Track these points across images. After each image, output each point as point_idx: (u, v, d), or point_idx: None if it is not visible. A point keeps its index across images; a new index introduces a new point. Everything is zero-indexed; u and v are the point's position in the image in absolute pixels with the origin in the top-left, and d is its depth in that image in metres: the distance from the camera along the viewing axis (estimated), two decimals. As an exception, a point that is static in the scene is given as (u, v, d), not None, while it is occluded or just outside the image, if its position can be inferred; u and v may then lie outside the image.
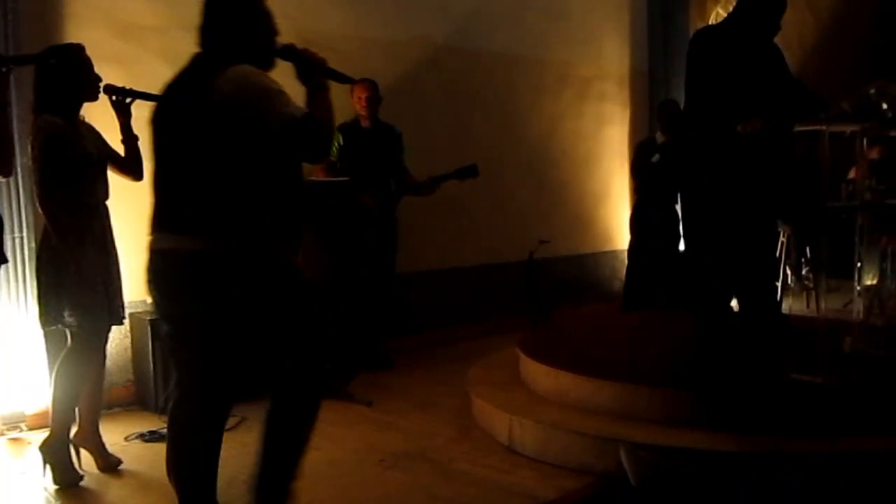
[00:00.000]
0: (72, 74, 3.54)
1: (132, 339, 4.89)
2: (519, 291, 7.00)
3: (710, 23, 7.84)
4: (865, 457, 3.27)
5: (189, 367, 2.82)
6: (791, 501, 3.13)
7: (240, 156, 2.58)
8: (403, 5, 6.30)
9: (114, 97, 3.69)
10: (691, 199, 4.23)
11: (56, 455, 3.59)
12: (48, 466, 3.59)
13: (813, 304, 6.85)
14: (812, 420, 3.54)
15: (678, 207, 6.47)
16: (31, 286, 4.12)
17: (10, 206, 4.37)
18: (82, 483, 3.61)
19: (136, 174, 3.81)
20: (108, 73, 3.72)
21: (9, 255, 4.36)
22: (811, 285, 7.19)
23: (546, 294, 7.03)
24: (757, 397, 3.66)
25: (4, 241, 3.63)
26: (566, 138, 7.79)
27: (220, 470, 3.75)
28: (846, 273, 4.38)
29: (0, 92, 3.33)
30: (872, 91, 3.81)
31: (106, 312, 3.62)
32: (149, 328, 4.65)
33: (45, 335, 4.15)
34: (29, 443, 4.22)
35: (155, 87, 3.81)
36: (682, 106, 7.51)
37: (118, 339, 4.81)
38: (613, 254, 8.04)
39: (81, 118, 3.66)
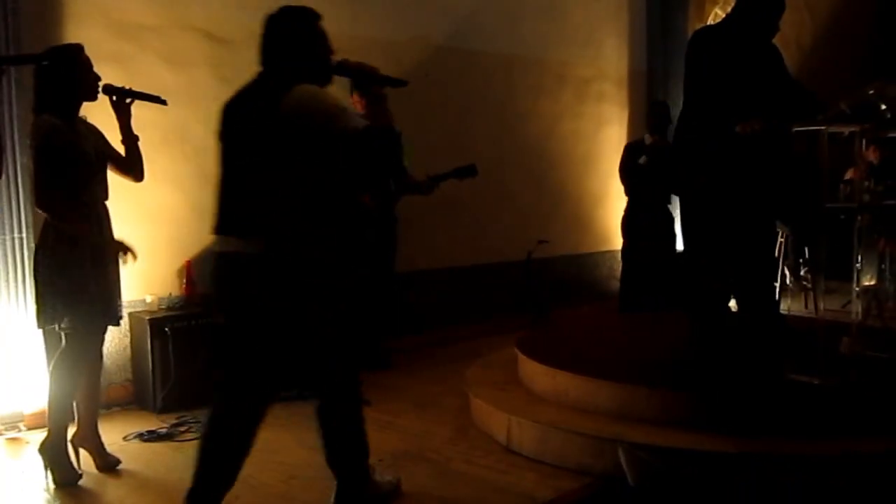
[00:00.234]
0: (70, 75, 3.53)
1: (131, 339, 4.89)
2: (518, 291, 7.01)
3: (708, 23, 7.84)
4: (865, 458, 3.28)
5: (244, 360, 2.92)
6: (791, 501, 3.13)
7: (303, 169, 2.77)
8: (403, 6, 6.31)
9: (113, 97, 3.69)
10: (689, 200, 4.23)
11: (54, 455, 3.59)
12: (47, 466, 3.59)
13: (811, 305, 6.86)
14: (810, 421, 3.54)
15: (671, 208, 6.49)
16: (31, 286, 4.12)
17: (10, 206, 4.38)
18: (81, 483, 3.60)
19: (137, 175, 3.81)
20: (108, 73, 3.72)
21: (7, 255, 4.39)
22: (809, 286, 7.20)
23: (545, 294, 7.05)
24: (755, 397, 3.66)
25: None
26: (565, 139, 7.80)
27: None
28: (844, 274, 4.38)
29: None
30: (871, 92, 3.81)
31: (99, 313, 3.60)
32: (148, 328, 4.66)
33: (44, 335, 4.14)
34: (27, 442, 4.22)
35: (154, 87, 3.84)
36: (672, 108, 7.58)
37: (117, 338, 4.82)
38: (612, 254, 8.04)
39: (83, 118, 3.66)
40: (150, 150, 3.92)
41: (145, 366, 4.72)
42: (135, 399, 4.87)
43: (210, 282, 2.97)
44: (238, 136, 2.89)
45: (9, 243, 4.40)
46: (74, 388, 3.63)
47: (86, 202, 3.57)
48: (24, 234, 4.39)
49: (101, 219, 3.67)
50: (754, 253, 4.08)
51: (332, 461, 3.11)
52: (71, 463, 3.64)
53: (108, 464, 3.78)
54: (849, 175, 6.22)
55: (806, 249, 7.32)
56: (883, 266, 5.58)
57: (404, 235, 5.71)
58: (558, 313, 7.01)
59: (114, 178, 3.76)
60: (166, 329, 4.69)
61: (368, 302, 5.39)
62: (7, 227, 4.39)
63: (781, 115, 3.86)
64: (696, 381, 3.87)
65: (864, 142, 4.01)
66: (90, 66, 3.61)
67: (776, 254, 6.15)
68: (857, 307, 4.27)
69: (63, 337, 3.58)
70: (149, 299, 4.90)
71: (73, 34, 4.39)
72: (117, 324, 3.80)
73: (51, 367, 3.61)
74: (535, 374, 4.35)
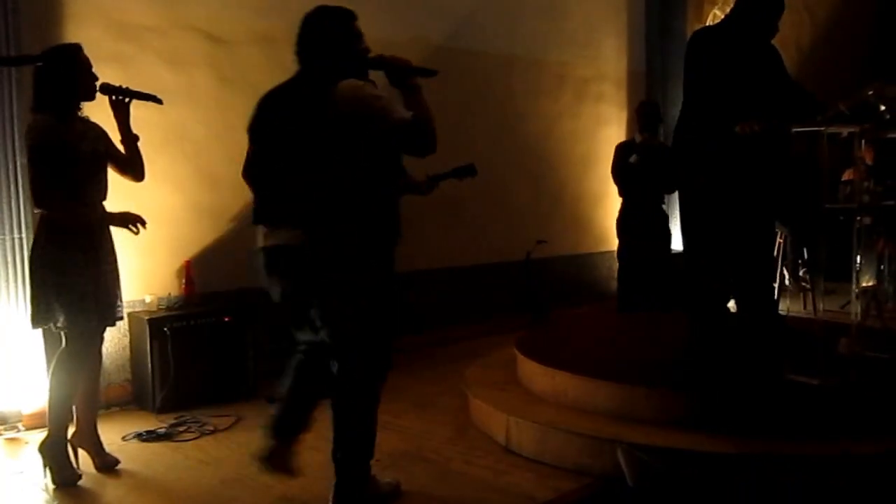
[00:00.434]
0: (68, 74, 3.53)
1: (130, 339, 4.89)
2: (517, 291, 7.01)
3: (707, 24, 7.85)
4: (864, 458, 3.28)
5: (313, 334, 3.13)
6: (791, 502, 3.13)
7: (348, 161, 2.94)
8: (402, 6, 6.30)
9: (112, 97, 3.68)
10: (689, 200, 4.23)
11: (54, 455, 3.58)
12: (47, 466, 3.59)
13: (810, 306, 6.87)
14: (809, 421, 3.54)
15: (665, 207, 6.48)
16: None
17: (10, 206, 4.37)
18: (80, 482, 3.60)
19: (138, 174, 3.80)
20: (108, 74, 3.72)
21: (7, 255, 4.39)
22: (808, 286, 7.21)
23: (544, 294, 7.05)
24: (754, 398, 3.66)
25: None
26: (564, 139, 7.81)
27: (216, 469, 3.78)
28: (844, 275, 4.38)
29: None
30: (870, 93, 3.81)
31: (95, 313, 3.58)
32: (147, 328, 4.65)
33: (44, 335, 4.15)
34: (26, 442, 4.22)
35: (154, 87, 3.84)
36: (671, 108, 7.57)
37: (116, 338, 4.82)
38: (611, 254, 8.01)
39: (85, 118, 3.66)
40: (149, 151, 3.92)
41: (144, 366, 4.72)
42: (134, 399, 4.87)
43: (264, 269, 3.08)
44: (281, 131, 3.01)
45: (8, 243, 4.40)
46: (75, 388, 3.63)
47: (83, 202, 3.57)
48: (23, 234, 4.39)
49: (100, 218, 3.66)
50: (753, 253, 4.08)
51: (337, 454, 3.14)
52: (70, 463, 3.64)
53: (106, 464, 3.77)
54: (846, 176, 6.23)
55: (805, 250, 7.33)
56: (882, 267, 5.58)
57: (404, 235, 5.69)
58: (557, 313, 7.01)
59: (114, 178, 3.76)
60: (165, 329, 4.68)
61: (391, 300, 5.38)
62: (7, 228, 4.39)
63: (781, 116, 3.86)
64: (695, 382, 3.87)
65: (863, 143, 4.01)
66: (89, 65, 3.61)
67: (775, 254, 6.15)
68: (856, 308, 4.28)
69: (62, 337, 3.58)
70: (148, 299, 4.90)
71: (73, 34, 4.38)
72: (113, 324, 3.79)
73: (51, 368, 3.61)
74: (535, 374, 4.35)
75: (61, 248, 3.49)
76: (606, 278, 8.04)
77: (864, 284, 4.79)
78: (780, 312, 4.68)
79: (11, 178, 4.32)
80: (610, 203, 8.02)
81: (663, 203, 6.47)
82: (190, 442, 4.16)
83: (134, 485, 3.62)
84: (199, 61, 5.25)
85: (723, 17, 4.72)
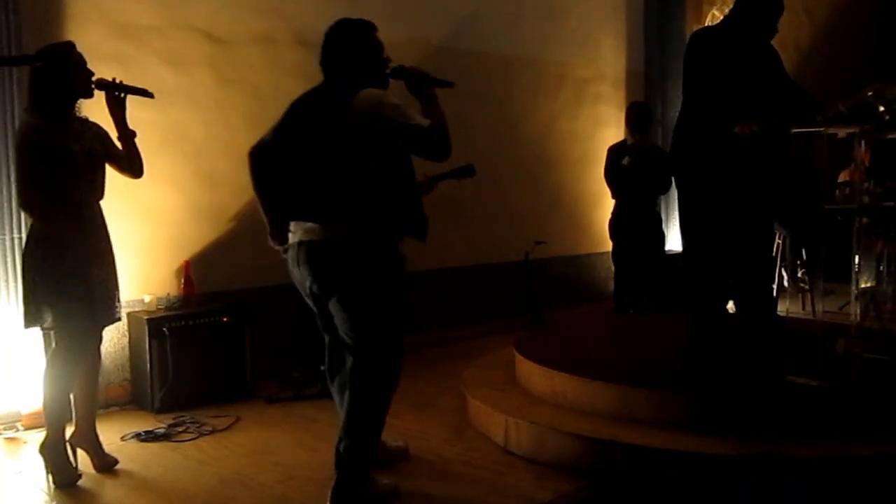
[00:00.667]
0: (63, 73, 3.50)
1: (129, 339, 4.88)
2: (516, 292, 7.01)
3: (706, 25, 7.85)
4: (863, 459, 3.28)
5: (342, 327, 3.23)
6: (790, 502, 3.14)
7: (371, 162, 3.10)
8: (401, 6, 6.30)
9: (113, 93, 3.67)
10: (688, 201, 4.23)
11: (53, 455, 3.58)
12: (47, 467, 3.59)
13: (809, 307, 6.88)
14: (808, 422, 3.54)
15: (658, 209, 6.48)
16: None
17: (9, 206, 4.37)
18: (79, 483, 3.60)
19: (136, 171, 3.78)
20: (108, 74, 3.70)
21: (7, 255, 4.38)
22: (807, 287, 7.21)
23: (543, 295, 7.05)
24: (753, 399, 3.66)
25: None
26: (563, 139, 7.80)
27: (215, 469, 3.78)
28: (843, 276, 4.38)
29: None
30: (869, 93, 3.81)
31: (88, 312, 3.56)
32: (146, 328, 4.65)
33: (43, 335, 4.14)
34: (25, 442, 4.22)
35: (154, 87, 3.83)
36: (670, 109, 7.56)
37: (115, 338, 4.81)
38: (609, 255, 8.04)
39: (84, 118, 3.66)
40: (149, 151, 3.91)
41: (143, 366, 4.71)
42: (133, 399, 4.86)
43: (305, 263, 3.17)
44: (309, 134, 3.18)
45: (7, 243, 4.39)
46: (68, 387, 3.62)
47: (73, 202, 3.54)
48: (22, 235, 4.36)
49: (94, 219, 3.64)
50: (752, 254, 4.08)
51: (340, 453, 3.18)
52: (70, 463, 3.63)
53: (105, 464, 3.77)
54: (843, 177, 6.24)
55: (804, 251, 7.33)
56: (881, 268, 5.59)
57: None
58: (556, 314, 7.01)
59: (112, 178, 3.74)
60: (164, 329, 4.68)
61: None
62: (6, 228, 4.38)
63: (780, 117, 3.86)
64: (694, 383, 3.87)
65: (863, 143, 4.01)
66: (83, 63, 3.58)
67: (774, 255, 6.16)
68: (855, 309, 4.28)
69: (52, 337, 3.57)
70: (147, 299, 4.90)
71: (73, 34, 4.38)
72: (110, 323, 3.77)
73: (44, 368, 3.60)
74: (533, 374, 4.35)
75: (51, 249, 3.47)
76: (605, 279, 8.03)
77: (862, 285, 4.78)
78: (780, 313, 4.68)
79: (11, 179, 4.31)
80: (608, 204, 7.98)
81: (656, 204, 6.47)
82: (189, 442, 4.15)
83: (133, 485, 3.62)
84: (199, 61, 5.25)
85: (722, 17, 4.73)
